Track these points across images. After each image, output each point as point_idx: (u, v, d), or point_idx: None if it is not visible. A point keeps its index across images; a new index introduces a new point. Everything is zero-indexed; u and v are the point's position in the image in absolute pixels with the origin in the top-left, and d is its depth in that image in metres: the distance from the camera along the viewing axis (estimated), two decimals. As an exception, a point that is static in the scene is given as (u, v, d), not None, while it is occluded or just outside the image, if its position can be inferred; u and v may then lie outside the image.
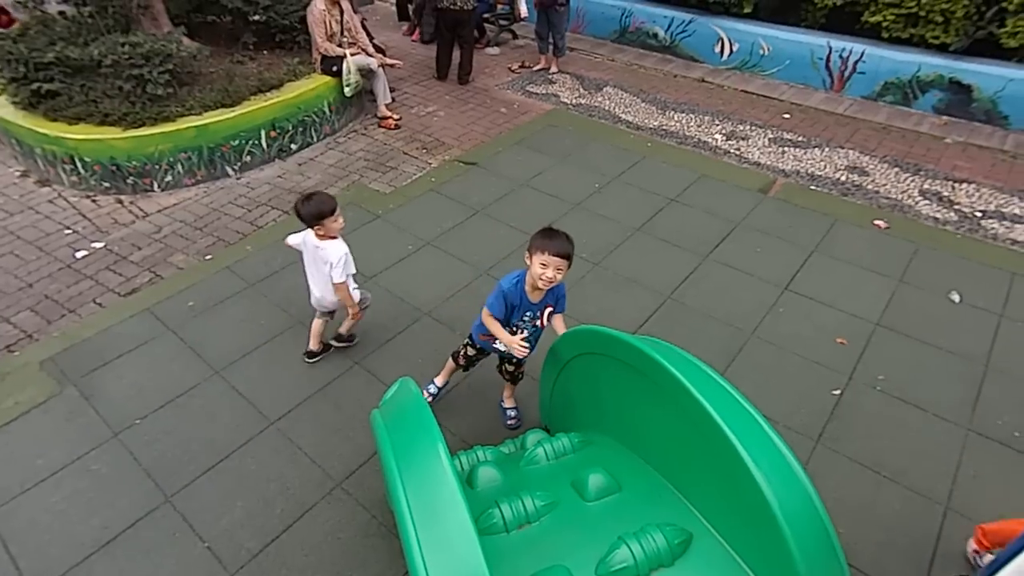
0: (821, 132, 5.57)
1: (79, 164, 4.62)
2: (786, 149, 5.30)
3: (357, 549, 2.38)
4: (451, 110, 6.05)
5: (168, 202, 4.66)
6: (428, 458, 1.61)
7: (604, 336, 2.02)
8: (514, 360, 2.70)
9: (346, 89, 5.43)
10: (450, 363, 2.89)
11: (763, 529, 1.51)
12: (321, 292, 2.99)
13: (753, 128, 5.64)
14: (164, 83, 4.68)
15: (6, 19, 6.23)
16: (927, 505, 2.53)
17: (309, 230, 2.84)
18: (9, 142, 5.10)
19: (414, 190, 4.69)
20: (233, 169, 4.97)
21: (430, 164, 5.10)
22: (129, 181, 4.67)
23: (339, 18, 5.43)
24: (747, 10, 6.48)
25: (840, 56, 6.07)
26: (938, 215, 4.40)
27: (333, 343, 3.25)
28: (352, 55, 5.42)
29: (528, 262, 2.29)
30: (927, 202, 4.55)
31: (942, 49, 5.60)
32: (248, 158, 5.01)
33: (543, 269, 2.22)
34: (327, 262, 2.81)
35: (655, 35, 7.20)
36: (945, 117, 5.71)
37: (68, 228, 4.37)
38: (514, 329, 2.48)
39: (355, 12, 5.74)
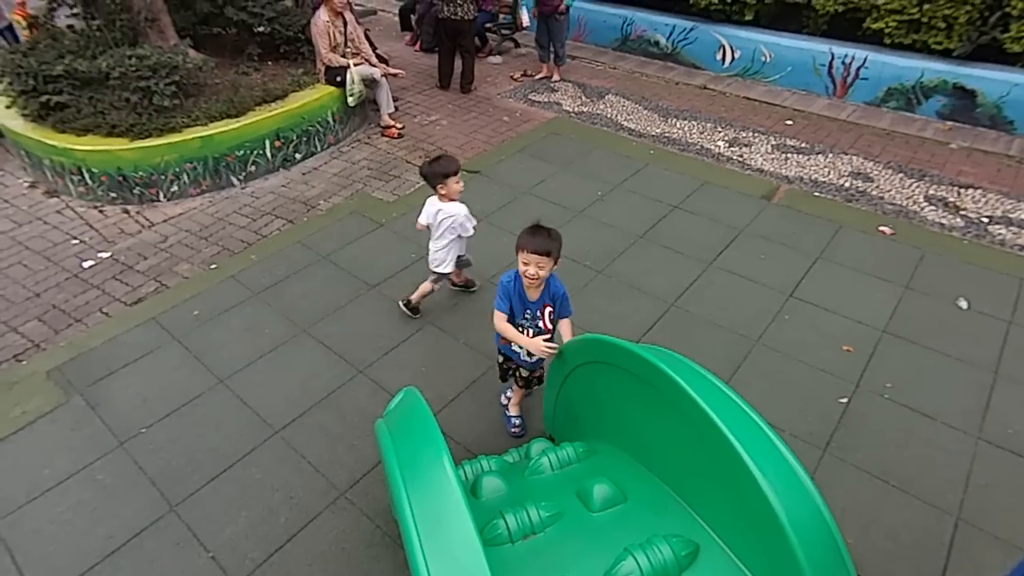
0: (824, 138, 5.57)
1: (87, 175, 4.67)
2: (789, 155, 5.30)
3: (361, 559, 2.37)
4: (453, 119, 6.08)
5: (174, 212, 4.69)
6: (433, 469, 1.60)
7: (608, 345, 2.02)
8: (528, 366, 2.68)
9: (349, 99, 5.47)
10: (518, 393, 2.83)
11: (770, 540, 1.50)
12: (435, 254, 3.29)
13: (756, 135, 5.65)
14: (170, 94, 4.74)
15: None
16: (938, 515, 2.50)
17: (429, 201, 3.21)
18: (19, 153, 5.16)
19: (417, 199, 4.67)
20: (238, 179, 5.01)
21: (434, 173, 5.11)
22: (135, 191, 4.71)
23: (342, 29, 5.49)
24: (748, 17, 6.51)
25: (842, 62, 6.07)
26: (944, 221, 4.38)
27: (402, 305, 3.50)
28: (355, 65, 5.46)
29: (518, 258, 2.37)
30: (932, 208, 4.53)
31: (945, 55, 5.60)
32: (253, 168, 5.04)
33: (525, 266, 2.32)
34: (453, 218, 3.16)
35: (657, 43, 7.23)
36: (949, 122, 5.70)
37: (75, 238, 4.40)
38: (520, 329, 2.49)
39: (358, 23, 5.79)
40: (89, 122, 4.66)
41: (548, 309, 2.47)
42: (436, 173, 3.10)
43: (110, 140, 4.60)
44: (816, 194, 4.74)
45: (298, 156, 5.31)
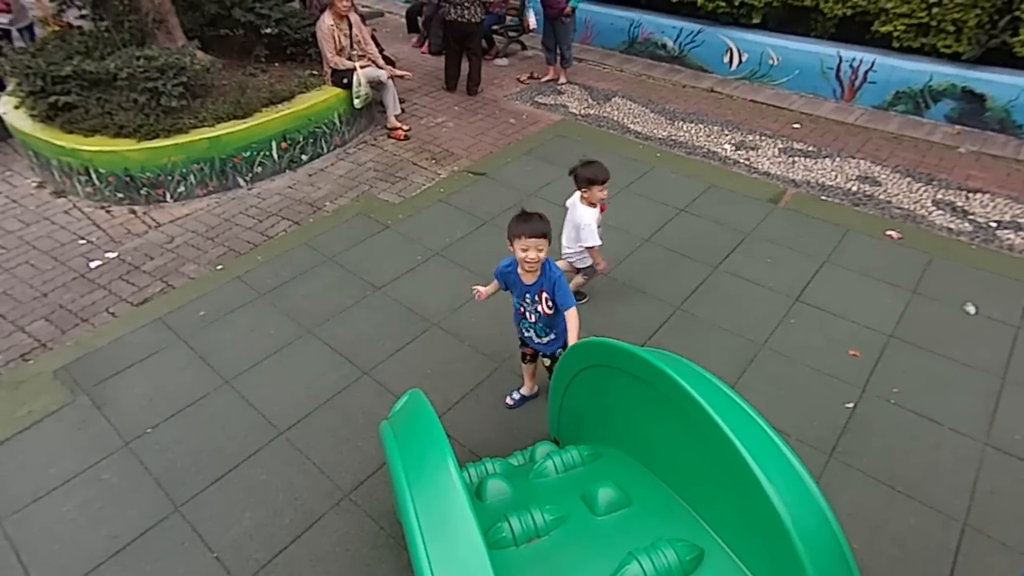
0: (832, 142, 5.54)
1: (94, 175, 4.70)
2: (796, 159, 5.28)
3: (365, 560, 2.37)
4: (460, 121, 6.09)
5: (180, 212, 4.71)
6: (437, 471, 1.60)
7: (613, 348, 2.01)
8: (540, 348, 2.80)
9: (356, 101, 5.49)
10: (523, 366, 2.96)
11: (776, 545, 1.49)
12: (566, 244, 3.36)
13: (763, 138, 5.63)
14: (178, 95, 4.76)
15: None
16: (944, 521, 2.48)
17: (574, 195, 3.26)
18: (27, 154, 5.19)
19: (423, 201, 4.71)
20: (244, 180, 5.03)
21: (439, 175, 5.13)
22: (143, 192, 4.74)
23: (347, 32, 5.51)
24: (756, 20, 6.49)
25: (850, 66, 6.05)
26: (952, 225, 4.36)
27: None
28: (362, 67, 5.48)
29: (511, 249, 2.45)
30: (940, 212, 4.51)
31: (954, 58, 5.56)
32: (259, 169, 5.06)
33: (524, 252, 2.40)
34: (576, 224, 3.22)
35: (664, 45, 7.23)
36: (958, 126, 5.66)
37: (83, 238, 4.43)
38: (523, 311, 2.65)
39: (364, 24, 5.81)
40: (97, 123, 4.69)
41: (545, 295, 2.54)
42: (584, 176, 3.13)
43: (118, 141, 4.63)
44: (823, 198, 4.72)
45: (304, 157, 5.33)
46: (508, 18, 7.59)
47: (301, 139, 5.23)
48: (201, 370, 3.23)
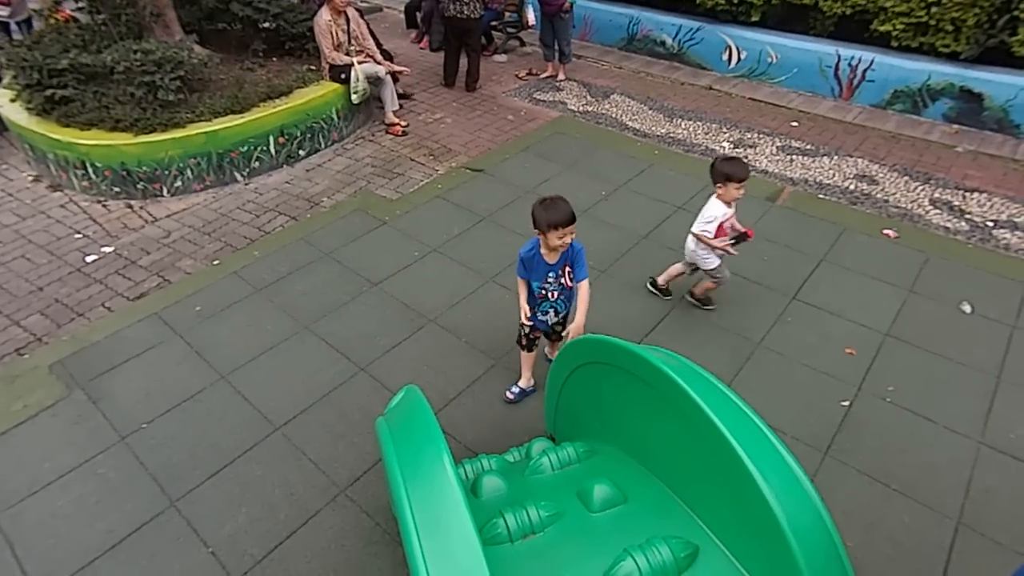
0: (830, 140, 5.55)
1: (90, 169, 4.68)
2: (794, 157, 5.28)
3: (360, 556, 2.37)
4: (458, 117, 6.08)
5: (177, 207, 4.70)
6: (433, 467, 1.60)
7: (610, 346, 2.01)
8: (558, 328, 2.93)
9: (353, 96, 5.47)
10: (522, 354, 2.97)
11: (770, 543, 1.49)
12: (689, 242, 3.31)
13: (761, 136, 5.63)
14: (175, 89, 4.74)
15: None
16: (938, 519, 2.49)
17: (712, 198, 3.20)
18: (22, 147, 5.17)
19: (421, 196, 4.70)
20: (242, 175, 5.01)
21: (437, 171, 5.12)
22: (139, 186, 4.72)
23: (345, 27, 5.48)
24: (755, 18, 6.48)
25: (849, 64, 6.04)
26: (949, 224, 4.36)
27: (688, 297, 3.56)
28: (360, 63, 5.46)
29: (540, 235, 2.53)
30: (937, 211, 4.51)
31: (952, 57, 5.56)
32: (257, 164, 5.05)
33: (561, 240, 2.48)
34: (706, 216, 3.16)
35: (663, 43, 7.21)
36: (956, 126, 5.67)
37: (79, 232, 4.41)
38: (546, 292, 2.69)
39: (363, 20, 5.78)
40: (93, 116, 4.67)
41: (568, 268, 2.66)
42: (723, 172, 3.06)
43: (114, 135, 4.61)
44: (821, 196, 4.72)
45: (302, 153, 5.32)
46: (507, 14, 7.57)
47: (299, 134, 5.21)
48: (197, 365, 3.23)
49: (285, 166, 5.22)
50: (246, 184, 5.00)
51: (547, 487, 1.98)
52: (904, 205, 4.59)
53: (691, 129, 5.77)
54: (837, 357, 3.24)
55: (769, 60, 6.51)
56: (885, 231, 4.24)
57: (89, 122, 4.66)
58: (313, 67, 5.64)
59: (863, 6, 5.78)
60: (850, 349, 3.28)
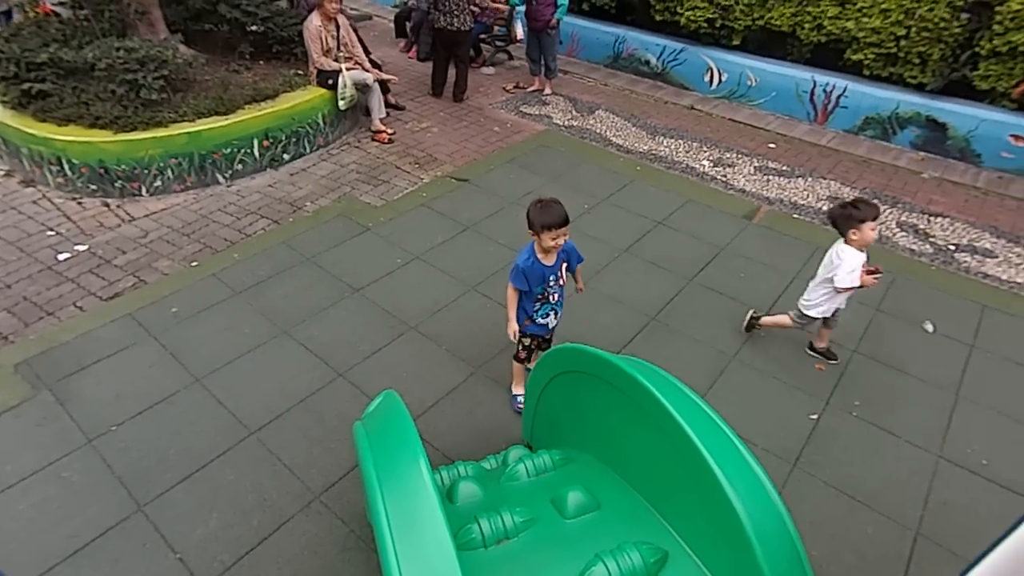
0: (805, 162, 5.72)
1: (66, 166, 4.59)
2: (771, 177, 5.43)
3: (334, 563, 2.36)
4: (445, 127, 6.12)
5: (156, 207, 4.64)
6: (409, 471, 1.62)
7: (588, 355, 2.05)
8: (547, 339, 2.97)
9: (341, 102, 5.48)
10: (516, 367, 3.01)
11: (736, 548, 1.54)
12: (809, 293, 3.15)
13: (739, 156, 5.78)
14: (158, 88, 4.70)
15: None
16: (899, 530, 2.57)
17: (838, 242, 2.99)
18: (-4, 141, 5.05)
19: (405, 204, 4.72)
20: (224, 177, 4.97)
21: (422, 179, 5.14)
22: (117, 185, 4.65)
23: (335, 33, 5.51)
24: (736, 42, 6.68)
25: (824, 90, 6.27)
26: (914, 247, 4.53)
27: (809, 351, 3.41)
28: (348, 69, 5.48)
29: (535, 238, 2.60)
30: (904, 234, 4.69)
31: (920, 88, 5.81)
32: (240, 166, 5.01)
33: (555, 241, 2.55)
34: (837, 265, 2.94)
35: (647, 62, 7.38)
36: (922, 153, 5.90)
37: (51, 230, 4.32)
38: (547, 295, 2.74)
39: (353, 28, 5.81)
40: (72, 112, 4.60)
41: (565, 265, 2.75)
42: (856, 217, 2.82)
43: (93, 131, 4.54)
44: (795, 216, 4.86)
45: (286, 157, 5.30)
46: (496, 28, 7.67)
47: (284, 138, 5.20)
48: (171, 368, 3.18)
49: (269, 169, 5.20)
50: (228, 186, 4.96)
51: (522, 493, 2.01)
52: (873, 227, 4.76)
53: (673, 147, 5.90)
54: (808, 372, 3.33)
55: (749, 83, 6.71)
56: (855, 252, 4.38)
57: (67, 118, 4.59)
58: (300, 72, 5.64)
59: (838, 35, 6.01)
60: (820, 365, 3.38)
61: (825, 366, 3.36)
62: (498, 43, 7.79)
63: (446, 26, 6.15)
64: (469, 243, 4.29)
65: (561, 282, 2.77)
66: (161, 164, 4.66)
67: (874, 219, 2.84)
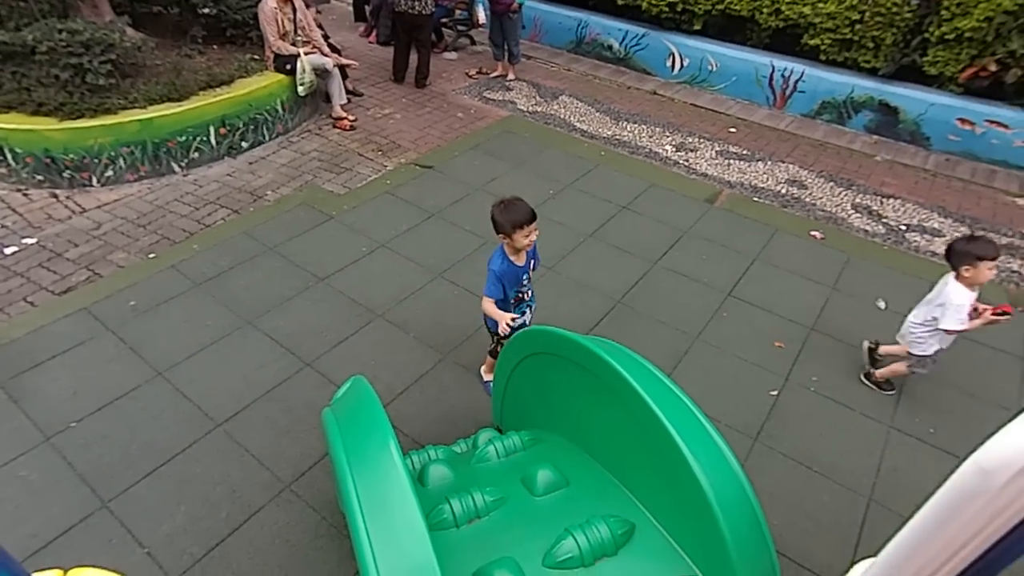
0: (764, 146, 5.87)
1: (9, 155, 4.37)
2: (731, 161, 5.55)
3: (306, 551, 2.35)
4: (407, 113, 6.04)
5: (108, 198, 4.46)
6: (379, 454, 1.62)
7: (555, 336, 2.08)
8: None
9: (299, 88, 5.34)
10: (491, 361, 3.03)
11: (700, 519, 1.60)
12: (911, 324, 2.98)
13: (701, 140, 5.89)
14: (105, 73, 4.49)
15: None
16: (853, 497, 2.71)
17: (949, 276, 2.77)
18: (-71, 129, 4.76)
19: (369, 192, 4.66)
20: (180, 166, 4.81)
21: (385, 166, 5.08)
22: (65, 175, 4.45)
23: (291, 16, 5.35)
24: (696, 27, 6.76)
25: (782, 75, 6.41)
26: (868, 227, 4.72)
27: (864, 380, 3.27)
28: (307, 54, 5.34)
29: (506, 239, 2.55)
30: (858, 215, 4.87)
31: (873, 73, 6.00)
32: (196, 155, 4.85)
33: (527, 239, 2.52)
34: (944, 304, 2.73)
35: (610, 47, 7.41)
36: (875, 136, 6.12)
37: (-4, 222, 4.12)
38: (521, 295, 2.76)
39: (308, 8, 5.65)
40: (12, 98, 4.37)
41: (532, 263, 2.75)
42: (973, 253, 2.61)
43: (36, 119, 4.32)
44: (755, 199, 4.99)
45: (245, 145, 5.15)
46: (457, 12, 7.57)
47: (241, 125, 5.05)
48: (131, 362, 3.09)
49: (227, 158, 5.05)
50: (184, 175, 4.80)
51: (492, 474, 2.04)
52: (829, 209, 4.93)
53: (636, 132, 5.96)
54: (768, 350, 3.45)
55: (710, 68, 6.81)
56: (812, 233, 4.54)
57: (7, 104, 4.36)
58: (256, 56, 5.47)
59: (795, 20, 6.14)
60: (779, 342, 3.50)
61: (785, 344, 3.49)
62: (460, 27, 7.69)
63: (407, 10, 6.03)
64: (435, 230, 4.27)
65: (530, 276, 2.78)
66: (112, 153, 4.47)
67: (992, 259, 2.60)
